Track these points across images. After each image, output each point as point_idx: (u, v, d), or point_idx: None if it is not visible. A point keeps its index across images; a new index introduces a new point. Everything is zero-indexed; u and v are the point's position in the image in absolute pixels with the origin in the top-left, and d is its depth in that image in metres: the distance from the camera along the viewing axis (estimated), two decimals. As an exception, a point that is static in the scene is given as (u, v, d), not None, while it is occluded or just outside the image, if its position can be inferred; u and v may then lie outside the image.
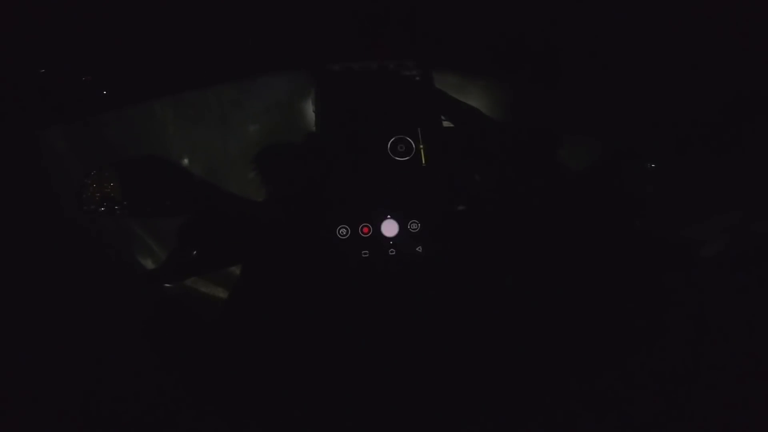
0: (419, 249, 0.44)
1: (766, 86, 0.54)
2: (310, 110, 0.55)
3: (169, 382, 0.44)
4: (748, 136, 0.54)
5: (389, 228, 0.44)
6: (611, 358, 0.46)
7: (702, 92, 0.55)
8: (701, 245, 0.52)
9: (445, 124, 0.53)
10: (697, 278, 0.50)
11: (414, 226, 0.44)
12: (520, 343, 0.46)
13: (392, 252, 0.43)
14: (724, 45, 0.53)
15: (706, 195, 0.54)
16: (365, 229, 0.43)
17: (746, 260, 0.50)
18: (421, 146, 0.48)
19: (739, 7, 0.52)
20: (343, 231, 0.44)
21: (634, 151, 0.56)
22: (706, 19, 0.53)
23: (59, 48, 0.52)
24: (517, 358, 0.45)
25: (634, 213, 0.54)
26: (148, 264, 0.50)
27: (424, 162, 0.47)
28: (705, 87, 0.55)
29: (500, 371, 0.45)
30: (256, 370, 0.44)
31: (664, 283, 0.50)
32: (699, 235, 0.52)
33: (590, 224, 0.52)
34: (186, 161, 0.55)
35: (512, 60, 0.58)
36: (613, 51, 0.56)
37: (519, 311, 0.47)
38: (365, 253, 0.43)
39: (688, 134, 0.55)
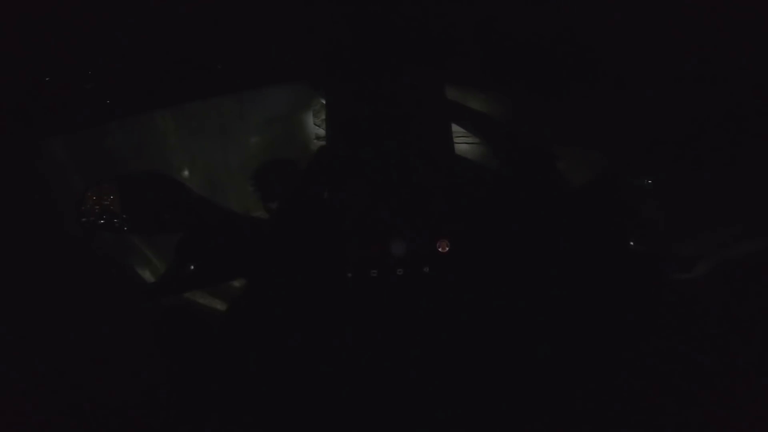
0: (426, 270, 0.44)
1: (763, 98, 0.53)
2: (310, 122, 0.55)
3: (169, 388, 0.44)
4: (744, 150, 0.54)
5: (397, 248, 0.44)
6: (610, 360, 0.46)
7: (698, 106, 0.54)
8: (698, 259, 0.52)
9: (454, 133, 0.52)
10: (692, 289, 0.50)
11: (423, 245, 0.44)
12: (519, 346, 0.46)
13: (400, 272, 0.43)
14: (721, 58, 0.53)
15: (703, 210, 0.53)
16: (374, 248, 0.43)
17: (742, 275, 0.50)
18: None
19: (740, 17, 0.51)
20: (352, 250, 0.43)
21: (632, 166, 0.56)
22: (706, 31, 0.52)
23: (63, 57, 0.53)
24: (517, 362, 0.45)
25: (630, 226, 0.54)
26: (147, 276, 0.50)
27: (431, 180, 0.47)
28: (701, 101, 0.54)
29: (501, 374, 0.45)
30: (257, 384, 0.44)
31: (661, 293, 0.50)
32: (695, 250, 0.52)
33: (589, 236, 0.52)
34: (186, 172, 0.55)
35: (513, 71, 0.58)
36: (609, 65, 0.55)
37: (519, 318, 0.47)
38: (374, 273, 0.43)
39: (684, 149, 0.55)
